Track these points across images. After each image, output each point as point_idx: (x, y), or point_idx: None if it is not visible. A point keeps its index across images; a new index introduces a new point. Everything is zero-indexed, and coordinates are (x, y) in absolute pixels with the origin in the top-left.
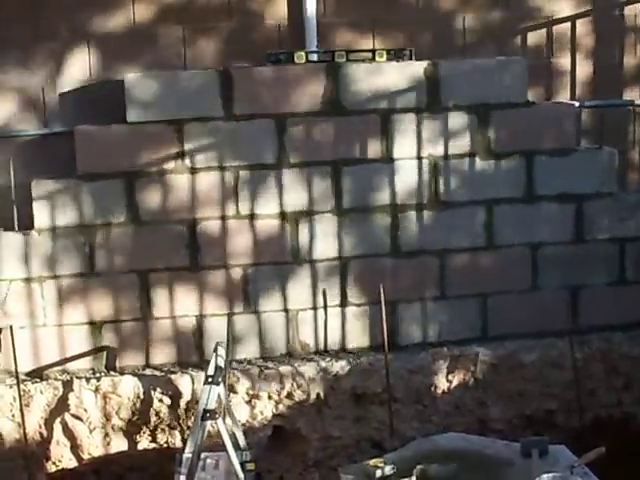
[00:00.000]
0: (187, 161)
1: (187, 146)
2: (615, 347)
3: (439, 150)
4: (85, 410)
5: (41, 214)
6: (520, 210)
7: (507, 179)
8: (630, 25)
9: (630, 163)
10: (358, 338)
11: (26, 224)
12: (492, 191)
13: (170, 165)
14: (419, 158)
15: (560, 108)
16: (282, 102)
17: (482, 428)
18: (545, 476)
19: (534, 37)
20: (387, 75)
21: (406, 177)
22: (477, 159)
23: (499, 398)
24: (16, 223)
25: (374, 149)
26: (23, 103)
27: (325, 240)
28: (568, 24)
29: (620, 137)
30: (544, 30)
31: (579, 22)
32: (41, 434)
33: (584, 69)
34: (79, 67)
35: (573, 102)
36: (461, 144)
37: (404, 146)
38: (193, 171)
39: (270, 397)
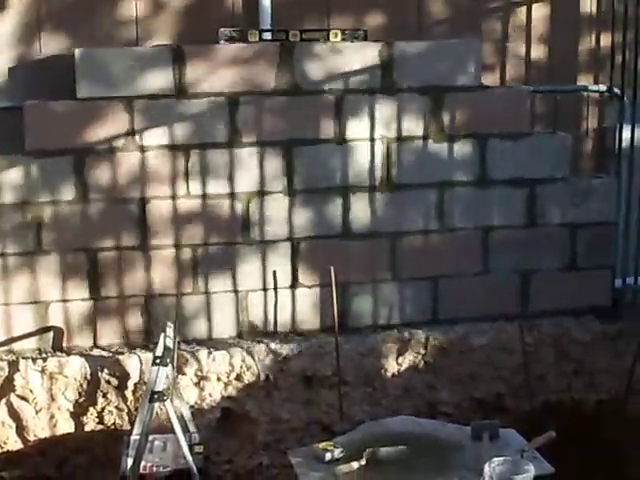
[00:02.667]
0: (137, 139)
1: (137, 124)
2: (565, 332)
3: (392, 132)
4: (31, 391)
5: None
6: (472, 193)
7: (460, 162)
8: (585, 11)
9: (583, 148)
10: (308, 320)
11: None
12: (445, 174)
13: (120, 142)
14: (372, 140)
15: (514, 92)
16: (235, 81)
17: (432, 411)
18: (496, 460)
19: (490, 20)
20: (341, 55)
21: (359, 159)
22: (430, 142)
23: (449, 381)
24: None
25: (327, 130)
26: None
27: (276, 221)
28: (524, 8)
29: (573, 122)
30: (500, 14)
31: (535, 7)
32: None
33: (539, 54)
34: (28, 41)
35: (527, 87)
36: (414, 126)
37: (357, 127)
38: (143, 149)
39: (219, 379)
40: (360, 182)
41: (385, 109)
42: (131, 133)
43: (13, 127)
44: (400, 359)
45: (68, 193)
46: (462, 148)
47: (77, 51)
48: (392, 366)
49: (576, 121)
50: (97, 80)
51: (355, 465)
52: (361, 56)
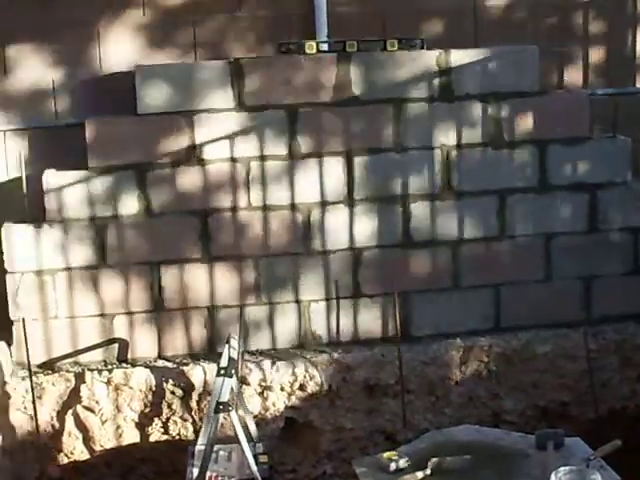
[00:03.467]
0: (198, 152)
1: (198, 137)
2: (629, 338)
3: (451, 139)
4: (97, 402)
5: (53, 206)
6: (533, 200)
7: (520, 168)
8: None
9: None
10: (371, 329)
11: (38, 216)
12: (505, 181)
13: (181, 156)
14: (431, 148)
15: (573, 96)
16: (293, 92)
17: (495, 420)
18: (562, 469)
19: (546, 24)
20: (399, 65)
21: (419, 167)
22: (490, 148)
23: (512, 390)
24: (28, 215)
25: (386, 139)
26: (35, 95)
27: (337, 231)
28: (581, 10)
29: (634, 125)
30: (556, 16)
31: (592, 8)
32: (53, 426)
33: (597, 56)
34: (90, 59)
35: (586, 90)
36: (473, 133)
37: (416, 136)
38: (204, 162)
39: (282, 389)
40: (420, 190)
41: (444, 117)
42: (192, 147)
43: (76, 143)
44: (463, 367)
45: (131, 207)
46: (522, 154)
47: (137, 67)
48: (455, 375)
49: (636, 124)
50: (157, 95)
51: (420, 475)
52: (419, 65)
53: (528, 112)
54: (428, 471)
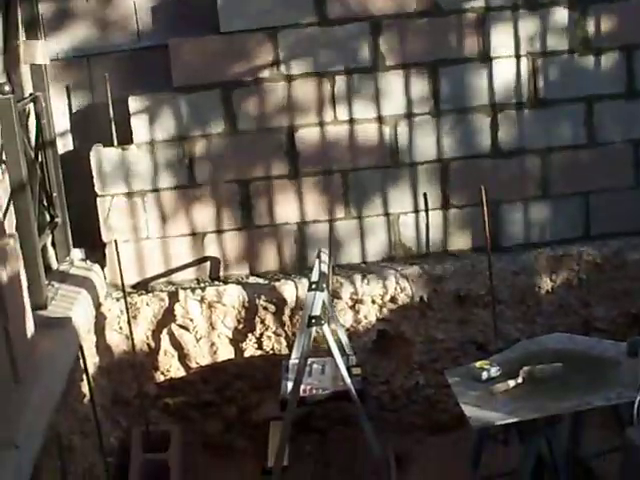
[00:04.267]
0: (283, 68)
1: (282, 53)
2: None
3: (537, 47)
4: (191, 320)
5: (139, 129)
6: (621, 106)
7: (607, 75)
8: None
9: None
10: (460, 240)
11: (124, 139)
12: (592, 87)
13: (266, 73)
14: (517, 56)
15: None
16: (376, 4)
17: (586, 328)
18: None
19: None
20: None
21: (504, 76)
22: (576, 55)
23: (603, 297)
24: (115, 139)
25: (471, 48)
26: (116, 18)
27: (424, 142)
28: None
29: None
30: None
31: None
32: (149, 345)
33: None
34: None
35: None
36: (559, 40)
37: (502, 44)
38: (289, 78)
39: (374, 301)
40: (507, 99)
41: (528, 24)
42: (276, 63)
43: (160, 65)
44: (553, 276)
45: (217, 126)
46: (609, 60)
47: None
48: (546, 283)
49: None
50: (239, 13)
51: (512, 383)
52: None
53: (614, 16)
54: (520, 379)
